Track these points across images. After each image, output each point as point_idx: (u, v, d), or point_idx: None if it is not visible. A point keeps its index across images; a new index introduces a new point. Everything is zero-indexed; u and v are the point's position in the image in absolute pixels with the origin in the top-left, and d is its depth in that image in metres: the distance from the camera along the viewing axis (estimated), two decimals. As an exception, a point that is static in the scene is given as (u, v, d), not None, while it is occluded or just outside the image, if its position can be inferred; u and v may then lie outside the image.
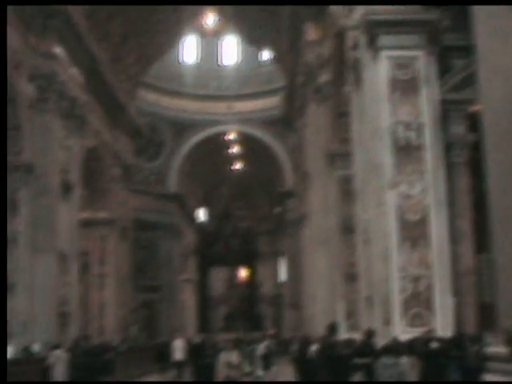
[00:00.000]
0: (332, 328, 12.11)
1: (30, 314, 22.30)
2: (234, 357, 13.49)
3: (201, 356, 18.18)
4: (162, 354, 25.76)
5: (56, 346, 16.89)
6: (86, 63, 27.12)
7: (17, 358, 19.07)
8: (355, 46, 16.42)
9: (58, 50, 24.44)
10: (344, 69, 19.00)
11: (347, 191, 20.81)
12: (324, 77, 24.24)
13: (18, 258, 22.49)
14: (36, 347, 20.35)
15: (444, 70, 15.05)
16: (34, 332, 21.91)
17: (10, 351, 19.93)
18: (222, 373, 13.60)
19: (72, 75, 25.76)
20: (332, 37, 22.24)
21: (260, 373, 17.18)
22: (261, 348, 17.45)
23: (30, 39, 23.22)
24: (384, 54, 14.79)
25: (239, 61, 47.92)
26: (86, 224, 30.89)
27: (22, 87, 22.82)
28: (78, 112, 26.36)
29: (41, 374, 15.90)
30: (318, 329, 19.29)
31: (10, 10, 21.12)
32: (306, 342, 16.04)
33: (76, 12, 24.94)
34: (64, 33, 24.58)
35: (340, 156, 22.24)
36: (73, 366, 16.40)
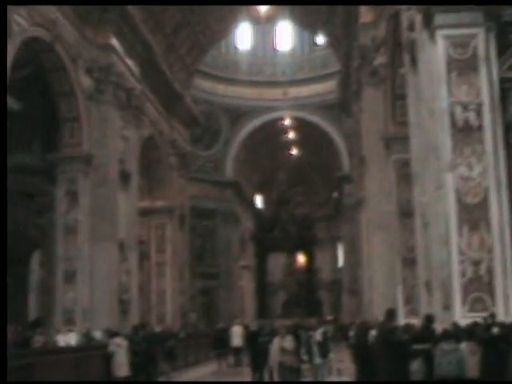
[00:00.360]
0: (390, 313, 11.92)
1: (91, 302, 22.76)
2: (287, 342, 13.39)
3: (257, 342, 18.23)
4: (220, 341, 26.02)
5: (116, 334, 17.16)
6: (141, 54, 27.39)
7: (79, 345, 19.50)
8: (410, 27, 16.09)
9: (114, 41, 24.76)
10: (400, 50, 18.67)
11: (404, 175, 20.50)
12: (379, 59, 23.89)
13: (79, 247, 22.99)
14: (97, 334, 20.75)
15: (503, 48, 14.58)
16: (95, 319, 22.37)
17: (75, 338, 20.44)
18: (274, 359, 13.54)
19: (128, 66, 26.06)
20: (387, 18, 21.89)
21: (318, 360, 17.05)
22: (318, 334, 17.30)
23: (86, 32, 23.58)
24: (440, 33, 14.39)
25: (293, 46, 47.66)
26: (145, 213, 31.32)
27: (80, 80, 23.21)
28: (135, 102, 26.69)
29: (102, 360, 16.19)
30: (377, 314, 19.11)
31: (67, 6, 21.55)
32: (364, 328, 15.89)
33: (130, 4, 25.15)
34: (119, 25, 24.88)
35: (397, 139, 21.92)
36: (133, 353, 16.64)
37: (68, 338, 20.29)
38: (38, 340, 18.43)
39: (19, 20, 18.54)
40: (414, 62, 16.10)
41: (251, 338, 21.00)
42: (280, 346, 13.37)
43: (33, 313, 28.30)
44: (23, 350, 16.01)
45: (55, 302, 22.98)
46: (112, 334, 17.39)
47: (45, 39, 20.78)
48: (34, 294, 29.10)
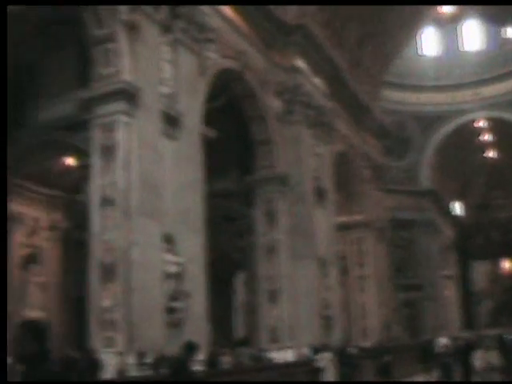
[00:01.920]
0: None
1: (294, 319, 23.17)
2: (494, 357, 12.62)
3: (468, 354, 17.47)
4: (426, 353, 25.36)
5: (324, 349, 17.34)
6: (327, 71, 27.68)
7: (288, 361, 19.90)
8: None
9: (300, 62, 25.28)
10: None
11: None
12: None
13: (280, 266, 23.54)
14: (305, 350, 21.10)
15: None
16: (299, 336, 22.73)
17: (290, 354, 20.92)
18: (479, 375, 12.77)
19: (315, 85, 26.46)
20: None
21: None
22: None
23: (272, 57, 24.33)
24: None
25: (481, 44, 45.70)
26: (342, 228, 31.45)
27: (270, 103, 23.94)
28: (325, 119, 27.00)
29: (310, 375, 16.41)
30: None
31: (252, 30, 22.37)
32: None
33: (313, 24, 25.57)
34: (304, 46, 25.36)
35: None
36: (344, 368, 16.71)
37: (283, 355, 20.87)
38: (227, 361, 18.62)
39: (211, 55, 19.58)
40: None
41: (461, 350, 20.20)
42: (485, 360, 12.67)
43: (239, 331, 29.36)
44: (215, 370, 16.16)
45: (260, 321, 23.68)
46: (321, 349, 17.59)
47: (235, 69, 21.74)
48: (238, 314, 30.24)
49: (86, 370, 13.65)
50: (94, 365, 13.98)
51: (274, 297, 23.42)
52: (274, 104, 24.18)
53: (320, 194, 25.63)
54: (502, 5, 29.98)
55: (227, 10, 21.18)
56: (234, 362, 18.78)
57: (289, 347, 21.57)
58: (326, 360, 16.25)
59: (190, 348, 7.78)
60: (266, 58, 23.88)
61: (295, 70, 24.95)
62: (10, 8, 15.92)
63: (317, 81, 26.67)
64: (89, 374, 13.57)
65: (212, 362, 15.75)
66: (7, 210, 9.92)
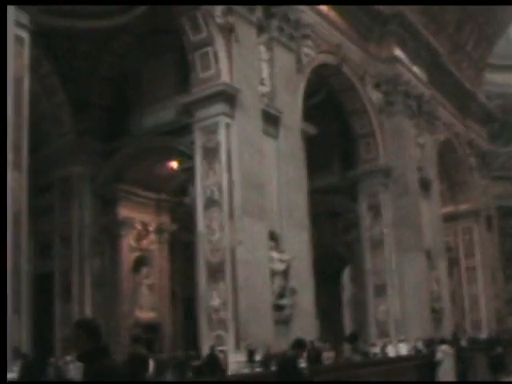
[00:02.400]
0: None
1: (402, 313, 22.85)
2: None
3: None
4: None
5: (443, 341, 16.99)
6: (426, 59, 27.05)
7: (403, 355, 19.62)
8: None
9: (398, 52, 24.83)
10: None
11: None
12: None
13: (386, 260, 23.28)
14: (419, 344, 20.78)
15: None
16: (408, 330, 22.39)
17: (405, 348, 20.65)
18: None
19: (415, 73, 25.92)
20: None
21: None
22: None
23: (369, 49, 24.03)
24: None
25: None
26: (449, 218, 30.71)
27: (369, 95, 23.66)
28: (426, 108, 26.43)
29: (426, 369, 16.11)
30: None
31: (347, 23, 22.18)
32: None
33: (410, 12, 25.06)
34: (401, 35, 24.91)
35: None
36: (460, 361, 16.32)
37: (398, 349, 20.65)
38: (329, 356, 18.35)
39: (307, 51, 19.56)
40: None
41: None
42: None
43: (347, 327, 29.22)
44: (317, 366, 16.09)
45: (368, 316, 23.51)
46: (437, 342, 17.26)
47: (332, 63, 21.61)
48: (346, 309, 30.10)
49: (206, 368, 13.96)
50: (214, 363, 14.29)
51: (381, 291, 23.21)
52: (374, 96, 23.88)
53: (424, 184, 25.15)
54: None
55: (321, 5, 21.09)
56: (342, 357, 18.73)
57: (400, 341, 21.27)
58: (444, 353, 15.86)
59: (300, 345, 7.79)
60: (362, 49, 23.60)
61: (393, 60, 24.54)
62: (112, 22, 16.58)
63: (416, 69, 26.11)
64: (209, 371, 13.88)
65: (315, 358, 15.72)
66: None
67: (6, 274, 9.91)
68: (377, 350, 20.60)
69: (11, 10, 12.04)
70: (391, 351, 20.40)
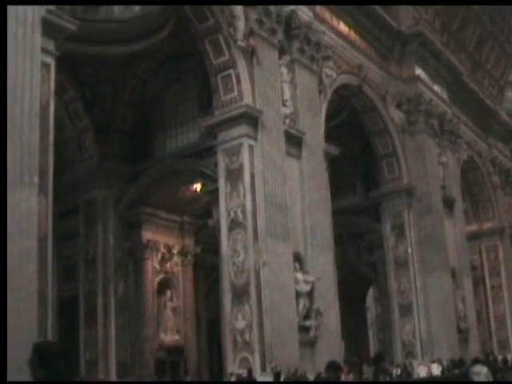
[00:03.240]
0: None
1: (428, 333, 22.62)
2: None
3: None
4: None
5: (476, 361, 16.73)
6: (447, 78, 27.03)
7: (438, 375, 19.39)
8: None
9: (419, 71, 24.83)
10: None
11: None
12: None
13: (411, 279, 23.09)
14: (444, 363, 20.55)
15: None
16: (434, 350, 22.15)
17: (437, 369, 20.35)
18: None
19: (436, 92, 25.89)
20: None
21: None
22: None
23: (390, 69, 24.06)
24: None
25: None
26: (472, 237, 30.44)
27: (391, 115, 23.64)
28: (448, 127, 26.36)
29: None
30: None
31: (367, 43, 22.23)
32: None
33: (430, 31, 25.10)
34: (422, 54, 24.93)
35: None
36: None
37: (430, 369, 20.41)
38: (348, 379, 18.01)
39: (328, 72, 19.64)
40: None
41: None
42: None
43: (373, 348, 28.99)
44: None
45: (393, 336, 23.30)
46: (473, 361, 17.00)
47: (353, 84, 21.67)
48: (372, 330, 29.88)
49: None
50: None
51: (406, 311, 23.00)
52: (396, 116, 23.85)
53: (448, 203, 25.00)
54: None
55: (341, 26, 21.22)
56: (361, 379, 18.54)
57: (433, 362, 21.01)
58: (482, 374, 15.58)
59: (335, 368, 7.70)
60: (383, 70, 23.65)
61: (414, 80, 24.53)
62: (135, 47, 16.78)
63: (437, 88, 26.08)
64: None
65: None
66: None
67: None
68: (398, 371, 20.30)
69: (37, 37, 12.24)
70: (422, 371, 20.11)
